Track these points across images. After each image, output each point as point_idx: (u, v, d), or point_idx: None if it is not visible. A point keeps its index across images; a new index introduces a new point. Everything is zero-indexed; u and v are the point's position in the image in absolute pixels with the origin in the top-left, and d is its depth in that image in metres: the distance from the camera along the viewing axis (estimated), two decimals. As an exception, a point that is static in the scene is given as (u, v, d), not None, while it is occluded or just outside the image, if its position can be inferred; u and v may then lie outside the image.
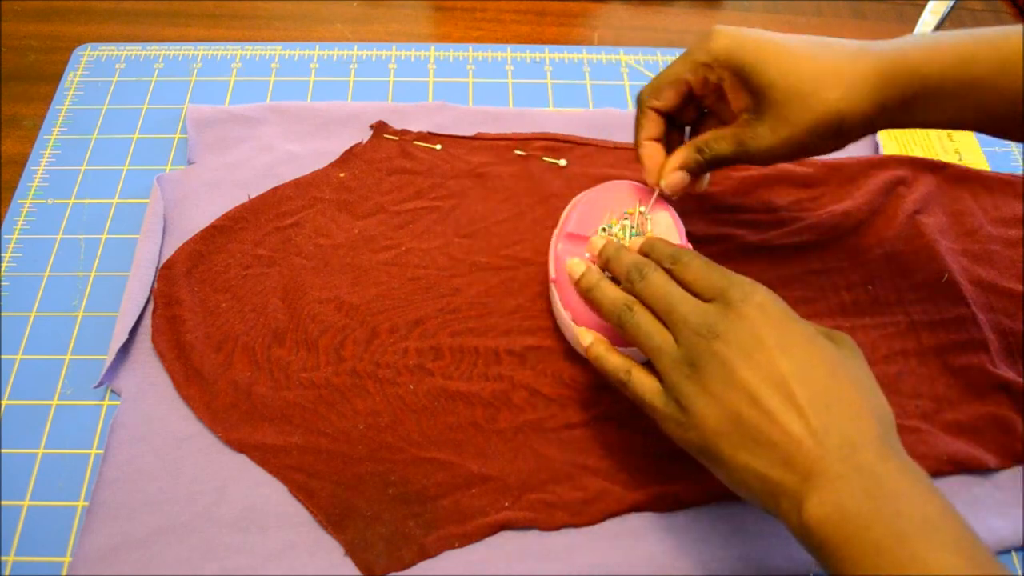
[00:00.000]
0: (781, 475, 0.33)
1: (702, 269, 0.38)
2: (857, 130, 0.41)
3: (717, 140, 0.43)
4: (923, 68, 0.39)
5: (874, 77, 0.39)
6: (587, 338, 0.41)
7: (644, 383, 0.38)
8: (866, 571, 0.30)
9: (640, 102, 0.45)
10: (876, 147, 0.58)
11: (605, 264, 0.42)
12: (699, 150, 0.44)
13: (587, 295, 0.41)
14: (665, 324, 0.38)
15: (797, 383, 0.34)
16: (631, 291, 0.40)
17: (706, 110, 0.46)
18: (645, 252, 0.42)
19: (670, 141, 0.47)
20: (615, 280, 0.42)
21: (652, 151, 0.46)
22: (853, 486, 0.31)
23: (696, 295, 0.38)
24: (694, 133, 0.47)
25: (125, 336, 0.45)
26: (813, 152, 0.42)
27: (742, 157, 0.43)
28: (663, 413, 0.37)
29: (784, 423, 0.33)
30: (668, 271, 0.39)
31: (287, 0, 0.66)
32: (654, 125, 0.45)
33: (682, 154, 0.44)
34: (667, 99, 0.44)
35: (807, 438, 0.33)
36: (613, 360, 0.40)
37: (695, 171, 0.45)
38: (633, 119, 0.59)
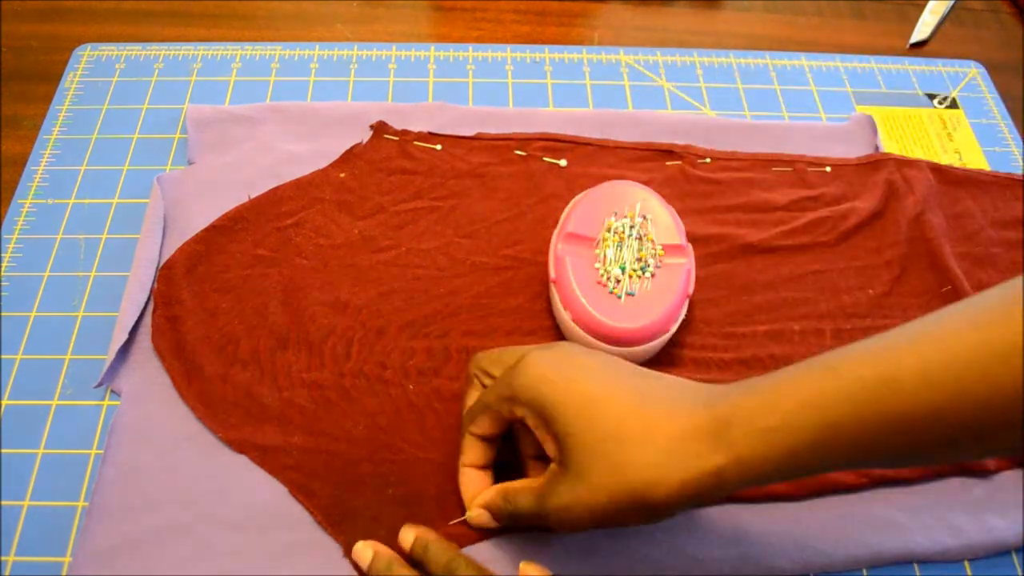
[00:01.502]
0: None
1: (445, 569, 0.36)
2: (675, 504, 0.32)
3: (522, 492, 0.37)
4: (760, 421, 0.31)
5: (696, 438, 0.32)
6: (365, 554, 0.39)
7: None
8: None
9: (462, 425, 0.40)
10: (876, 147, 0.58)
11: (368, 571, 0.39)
12: (505, 499, 0.38)
13: None
14: None
15: None
16: None
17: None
18: (419, 552, 0.38)
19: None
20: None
21: (468, 478, 0.40)
22: None
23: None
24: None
25: (125, 336, 0.45)
26: (621, 524, 0.34)
27: (542, 520, 0.36)
28: None
29: None
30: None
31: (287, 0, 0.66)
32: (475, 451, 0.40)
33: (489, 496, 0.39)
34: (484, 427, 0.39)
35: None
36: None
37: (499, 520, 0.39)
38: (633, 119, 0.59)
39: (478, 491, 0.40)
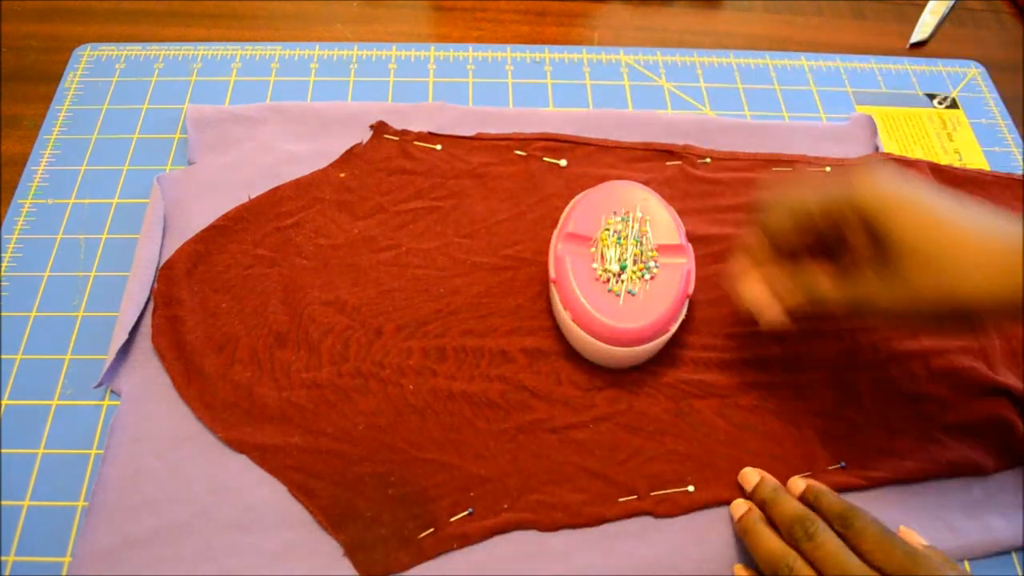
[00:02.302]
0: None
1: (880, 539, 0.37)
2: (988, 312, 0.36)
3: (824, 279, 0.39)
4: None
5: (1017, 256, 0.35)
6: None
7: None
8: None
9: (758, 228, 0.42)
10: (876, 147, 0.58)
11: (761, 504, 0.41)
12: (807, 290, 0.40)
13: (744, 536, 0.40)
14: None
15: None
16: (793, 545, 0.38)
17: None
18: (809, 500, 0.40)
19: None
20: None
21: (751, 280, 0.42)
22: None
23: (870, 565, 0.36)
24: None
25: (125, 336, 0.45)
26: (936, 330, 0.39)
27: (852, 310, 0.39)
28: None
29: None
30: (838, 533, 0.38)
31: (287, 0, 0.66)
32: (763, 253, 0.42)
33: (786, 291, 0.41)
34: (789, 241, 0.41)
35: None
36: None
37: (795, 312, 0.41)
38: (633, 119, 0.59)
39: (762, 292, 0.42)
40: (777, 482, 0.42)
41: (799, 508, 0.39)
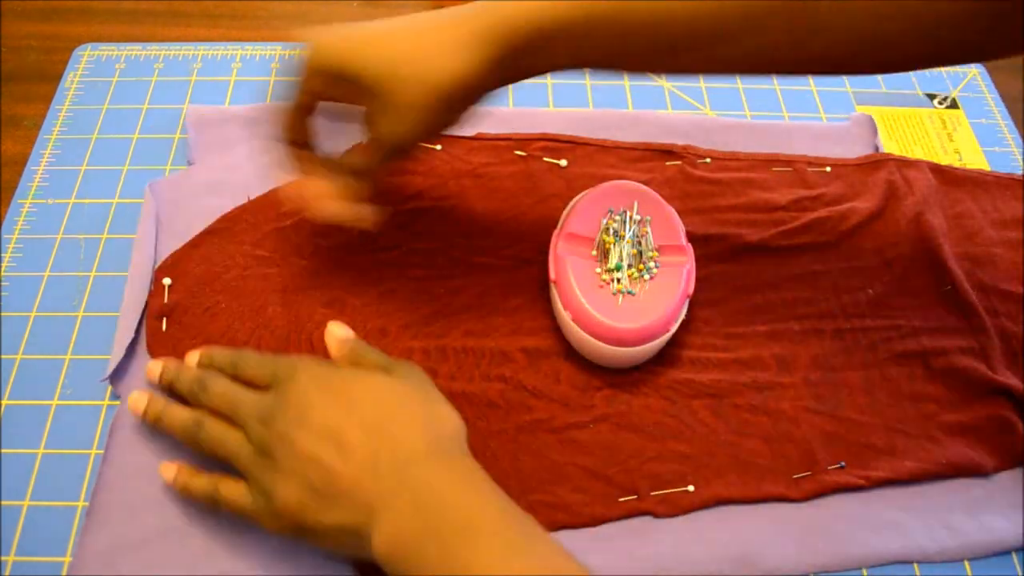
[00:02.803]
0: (354, 518, 0.34)
1: (256, 362, 0.40)
2: (477, 89, 0.40)
3: (364, 148, 0.43)
4: (532, 15, 0.38)
5: (478, 36, 0.38)
6: (170, 472, 0.40)
7: (233, 491, 0.38)
8: None
9: (279, 143, 0.44)
10: (876, 147, 0.58)
11: (169, 387, 0.42)
12: (352, 163, 0.44)
13: (157, 425, 0.41)
14: (236, 425, 0.38)
15: (348, 426, 0.35)
16: (199, 405, 0.40)
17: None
18: (205, 363, 0.42)
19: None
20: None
21: (304, 185, 0.44)
22: (404, 503, 0.33)
23: (256, 387, 0.39)
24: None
25: (131, 336, 0.45)
26: (444, 126, 0.41)
27: (393, 154, 0.42)
28: (256, 511, 0.37)
29: (341, 471, 0.34)
30: (233, 377, 0.40)
31: (287, 0, 0.66)
32: (298, 155, 0.44)
33: (339, 183, 0.43)
34: (301, 132, 0.44)
35: (362, 473, 0.34)
36: (198, 484, 0.39)
37: (361, 178, 0.43)
38: (633, 119, 0.59)
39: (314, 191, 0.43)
40: (178, 362, 0.43)
41: (194, 372, 0.41)
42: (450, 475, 0.34)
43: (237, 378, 0.40)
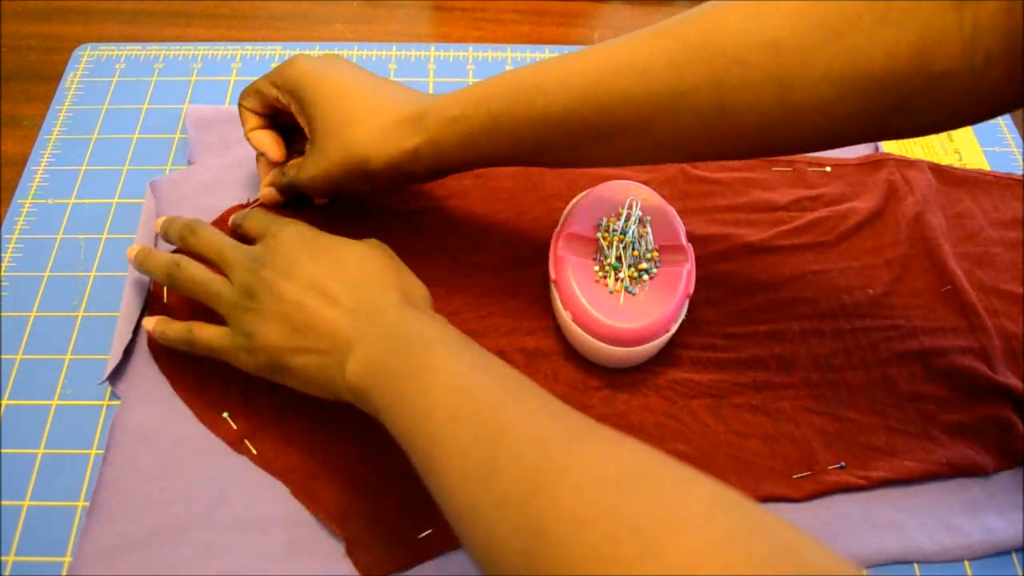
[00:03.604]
0: (329, 357, 0.37)
1: (256, 217, 0.44)
2: (385, 174, 0.43)
3: (291, 167, 0.47)
4: (448, 111, 0.41)
5: (404, 123, 0.42)
6: (149, 323, 0.44)
7: (209, 333, 0.41)
8: (393, 401, 0.34)
9: (240, 98, 0.49)
10: (876, 147, 0.58)
11: (164, 235, 0.45)
12: (281, 172, 0.48)
13: (140, 265, 0.44)
14: (220, 272, 0.41)
15: (331, 280, 0.39)
16: (184, 249, 0.43)
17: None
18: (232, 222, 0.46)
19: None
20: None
21: (258, 138, 0.49)
22: (376, 338, 0.36)
23: (250, 242, 0.43)
24: None
25: (129, 336, 0.45)
26: (349, 189, 0.45)
27: (302, 187, 0.47)
28: (233, 349, 0.40)
29: (324, 314, 0.38)
30: (235, 232, 0.45)
31: (287, 0, 0.66)
32: (251, 119, 0.49)
33: (273, 173, 0.49)
34: (253, 104, 0.48)
35: (341, 318, 0.38)
36: (173, 329, 0.43)
37: (282, 191, 0.49)
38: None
39: (265, 148, 0.49)
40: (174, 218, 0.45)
41: (185, 219, 0.44)
42: (417, 316, 0.38)
43: (240, 233, 0.45)
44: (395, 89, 0.45)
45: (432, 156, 0.42)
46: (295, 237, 0.42)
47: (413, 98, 0.43)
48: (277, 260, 0.40)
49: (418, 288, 0.42)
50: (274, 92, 0.46)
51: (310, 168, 0.45)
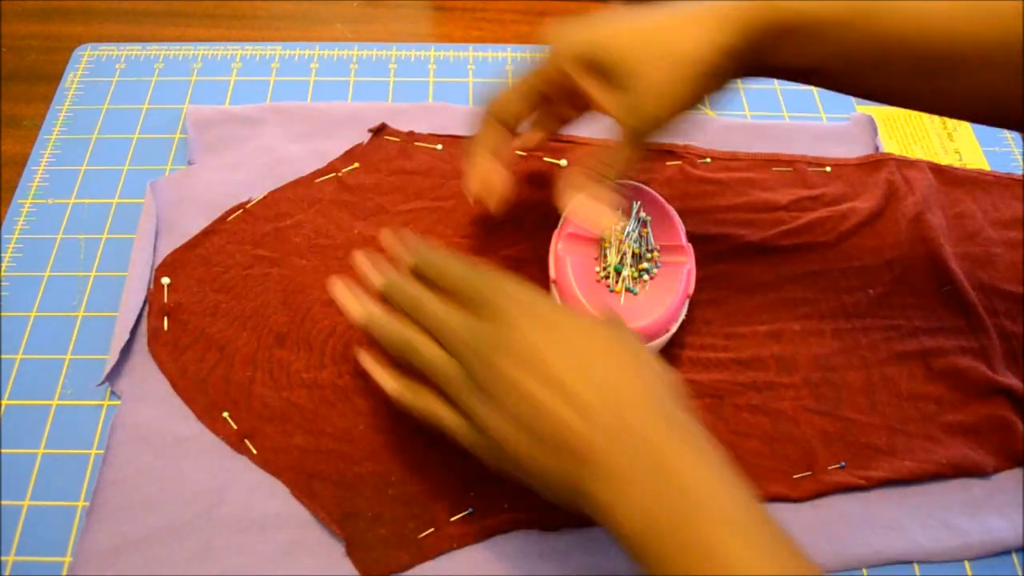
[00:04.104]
0: (566, 464, 0.34)
1: (458, 273, 0.39)
2: (721, 69, 0.40)
3: (617, 151, 0.43)
4: (775, 8, 0.39)
5: (720, 20, 0.39)
6: (389, 384, 0.40)
7: (453, 423, 0.37)
8: (666, 559, 0.31)
9: (485, 114, 0.45)
10: (876, 147, 0.58)
11: (381, 297, 0.41)
12: (604, 166, 0.43)
13: (366, 330, 0.41)
14: (444, 347, 0.37)
15: (571, 378, 0.34)
16: (413, 319, 0.39)
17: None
18: (410, 262, 0.41)
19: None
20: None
21: (488, 166, 0.45)
22: (644, 477, 0.32)
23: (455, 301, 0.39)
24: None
25: (127, 336, 0.45)
26: (693, 103, 0.42)
27: (638, 138, 0.42)
28: (473, 445, 0.37)
29: (559, 414, 0.34)
30: (436, 283, 0.40)
31: (287, 0, 0.66)
32: (494, 135, 0.45)
33: (589, 183, 0.43)
34: (519, 112, 0.44)
35: (576, 420, 0.34)
36: (416, 401, 0.39)
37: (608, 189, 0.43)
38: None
39: (492, 179, 0.46)
40: (385, 262, 0.42)
41: (408, 291, 0.40)
42: (684, 453, 0.33)
43: (441, 284, 0.40)
44: (668, 5, 0.41)
45: (766, 50, 0.40)
46: (529, 316, 0.36)
47: (703, 3, 0.41)
48: (511, 347, 0.35)
49: (666, 376, 0.37)
50: (558, 79, 0.42)
51: (646, 107, 0.41)
